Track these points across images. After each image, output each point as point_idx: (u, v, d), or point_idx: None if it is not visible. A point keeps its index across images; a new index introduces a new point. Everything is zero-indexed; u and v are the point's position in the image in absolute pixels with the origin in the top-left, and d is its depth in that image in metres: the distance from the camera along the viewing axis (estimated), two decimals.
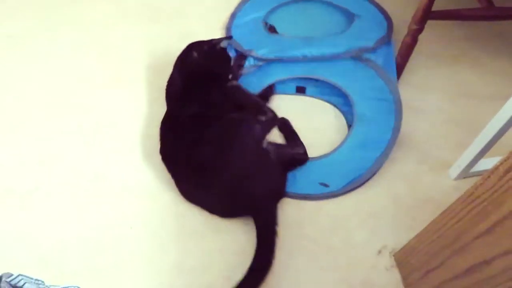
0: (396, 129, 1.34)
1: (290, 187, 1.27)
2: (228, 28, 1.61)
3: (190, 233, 1.22)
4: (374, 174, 1.29)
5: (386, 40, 1.49)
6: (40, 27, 1.63)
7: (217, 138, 1.20)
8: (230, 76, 1.40)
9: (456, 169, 1.29)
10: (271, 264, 1.11)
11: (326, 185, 1.28)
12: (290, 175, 1.28)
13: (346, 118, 1.43)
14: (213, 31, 1.64)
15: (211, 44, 1.36)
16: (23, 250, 1.18)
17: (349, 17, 1.59)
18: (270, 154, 1.24)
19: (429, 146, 1.38)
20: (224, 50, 1.38)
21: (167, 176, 1.27)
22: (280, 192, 1.24)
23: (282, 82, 1.48)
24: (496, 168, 0.72)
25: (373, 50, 1.46)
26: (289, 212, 1.25)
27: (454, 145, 1.38)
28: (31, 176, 1.32)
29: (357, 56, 1.45)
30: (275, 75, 1.47)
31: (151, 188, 1.29)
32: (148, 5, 1.71)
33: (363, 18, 1.57)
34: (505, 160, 0.70)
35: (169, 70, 1.49)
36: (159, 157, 1.29)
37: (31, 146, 1.37)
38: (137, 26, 1.65)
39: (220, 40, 1.37)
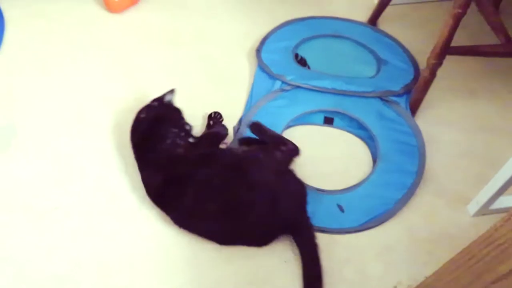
0: (419, 174, 1.36)
1: None
2: (259, 50, 1.65)
3: (203, 260, 1.22)
4: (393, 215, 1.30)
5: (412, 87, 1.53)
6: (69, 48, 1.67)
7: (239, 176, 1.21)
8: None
9: (474, 206, 1.28)
10: (321, 277, 1.15)
11: (341, 209, 1.29)
12: (309, 207, 1.27)
13: (372, 152, 1.44)
14: (232, 55, 1.67)
15: (160, 102, 1.38)
16: (39, 268, 1.19)
17: (378, 60, 1.63)
18: (291, 172, 1.26)
19: (446, 180, 1.38)
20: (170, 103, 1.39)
21: None
22: (305, 200, 1.25)
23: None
24: None
25: (399, 94, 1.51)
26: None
27: (472, 179, 1.37)
28: (51, 194, 1.34)
29: (384, 97, 1.49)
30: (302, 103, 1.49)
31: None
32: (171, 29, 1.75)
33: (391, 65, 1.61)
34: None
35: (189, 91, 1.53)
36: None
37: (53, 164, 1.39)
38: (160, 49, 1.69)
39: (164, 95, 1.39)
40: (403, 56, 1.66)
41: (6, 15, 1.74)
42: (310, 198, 1.27)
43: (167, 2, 1.82)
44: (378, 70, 1.60)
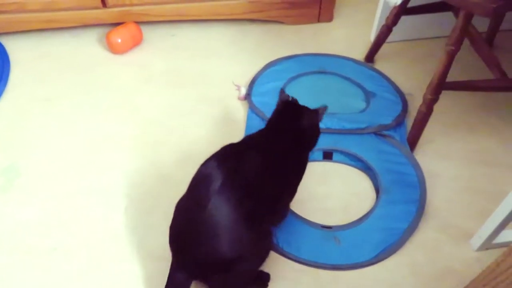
0: (421, 202, 1.37)
1: (315, 256, 1.27)
2: (249, 94, 1.67)
3: None
4: (402, 245, 1.30)
5: (403, 118, 1.58)
6: (73, 89, 1.71)
7: None
8: None
9: (477, 240, 1.27)
10: None
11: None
12: (316, 245, 1.29)
13: (373, 183, 1.45)
14: (229, 96, 1.69)
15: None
16: None
17: (366, 93, 1.67)
18: None
19: (449, 215, 1.37)
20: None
21: None
22: None
23: None
24: None
25: (391, 127, 1.54)
26: (305, 281, 1.23)
27: (474, 214, 1.36)
28: (50, 235, 1.33)
29: (378, 132, 1.53)
30: None
31: (168, 252, 1.29)
32: (172, 70, 1.79)
33: (379, 97, 1.65)
34: None
35: (191, 132, 1.55)
36: None
37: (54, 205, 1.40)
38: (162, 89, 1.72)
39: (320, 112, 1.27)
40: (389, 87, 1.69)
41: (12, 56, 1.80)
42: (316, 235, 1.30)
43: (169, 44, 1.87)
44: (368, 103, 1.63)
